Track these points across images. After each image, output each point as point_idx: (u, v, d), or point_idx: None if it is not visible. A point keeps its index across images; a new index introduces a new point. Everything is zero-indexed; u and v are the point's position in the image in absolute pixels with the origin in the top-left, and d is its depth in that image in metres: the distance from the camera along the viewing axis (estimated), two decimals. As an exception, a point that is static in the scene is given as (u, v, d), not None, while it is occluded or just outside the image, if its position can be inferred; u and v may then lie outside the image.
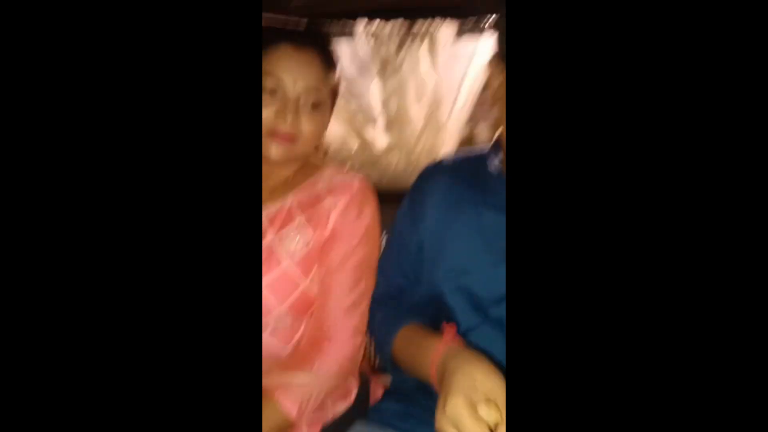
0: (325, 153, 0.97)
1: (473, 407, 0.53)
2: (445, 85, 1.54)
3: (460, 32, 1.55)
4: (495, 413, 0.54)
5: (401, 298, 0.81)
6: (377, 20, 1.51)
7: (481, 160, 0.81)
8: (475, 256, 0.75)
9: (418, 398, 0.76)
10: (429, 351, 0.65)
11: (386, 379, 0.91)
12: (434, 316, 0.77)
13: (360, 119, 1.61)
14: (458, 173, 0.82)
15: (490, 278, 0.72)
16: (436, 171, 0.86)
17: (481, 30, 1.46)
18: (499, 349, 0.67)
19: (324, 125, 0.87)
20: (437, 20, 1.48)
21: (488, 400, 0.54)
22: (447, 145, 1.56)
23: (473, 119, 1.60)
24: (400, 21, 1.51)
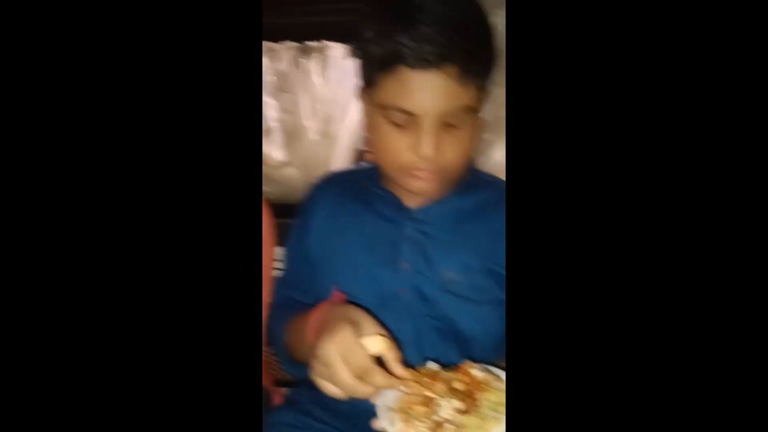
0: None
1: (347, 350, 0.56)
2: (337, 101, 1.60)
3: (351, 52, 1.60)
4: (378, 343, 0.57)
5: (295, 310, 0.83)
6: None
7: (369, 173, 0.85)
8: (361, 265, 0.78)
9: (315, 411, 0.79)
10: (310, 314, 0.69)
11: (284, 392, 0.93)
12: None
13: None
14: (345, 185, 0.86)
15: (375, 284, 0.77)
16: (325, 184, 0.90)
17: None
18: None
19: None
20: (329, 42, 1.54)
21: (374, 335, 0.57)
22: (340, 159, 1.61)
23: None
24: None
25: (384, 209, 0.81)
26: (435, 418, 0.58)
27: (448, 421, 0.58)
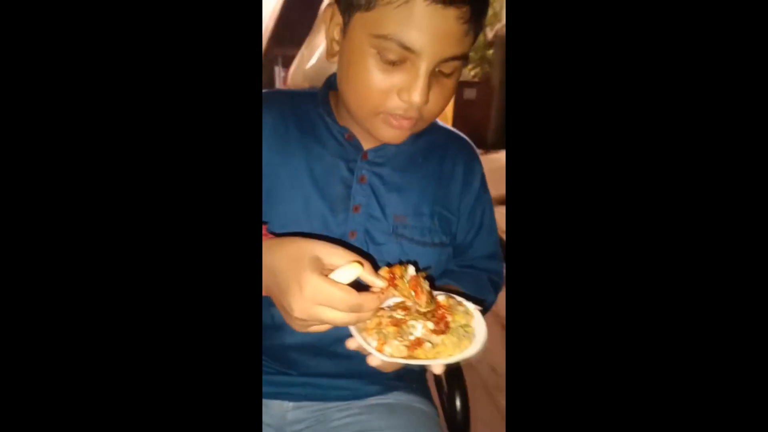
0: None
1: (324, 296, 0.52)
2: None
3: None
4: (352, 271, 0.54)
5: None
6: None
7: (312, 100, 0.79)
8: (311, 205, 0.73)
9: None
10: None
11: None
12: None
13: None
14: (288, 110, 0.78)
15: (324, 227, 0.73)
16: (264, 105, 0.79)
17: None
18: None
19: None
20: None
21: (344, 266, 0.54)
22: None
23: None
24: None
25: (337, 147, 0.76)
26: (410, 338, 0.59)
27: (424, 339, 0.58)
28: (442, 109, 0.68)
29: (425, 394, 0.89)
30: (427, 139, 0.80)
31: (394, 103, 0.63)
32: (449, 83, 0.66)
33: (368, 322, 0.61)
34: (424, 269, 0.71)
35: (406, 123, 0.66)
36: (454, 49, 0.61)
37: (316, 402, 0.79)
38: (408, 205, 0.77)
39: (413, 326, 0.60)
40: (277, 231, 0.72)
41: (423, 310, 0.61)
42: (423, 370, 0.94)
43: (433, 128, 0.81)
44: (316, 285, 0.51)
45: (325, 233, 0.73)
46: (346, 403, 0.80)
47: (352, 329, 0.59)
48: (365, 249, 0.74)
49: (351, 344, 0.59)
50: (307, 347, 0.77)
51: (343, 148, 0.76)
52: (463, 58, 0.63)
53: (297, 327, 0.56)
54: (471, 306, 0.64)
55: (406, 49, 0.59)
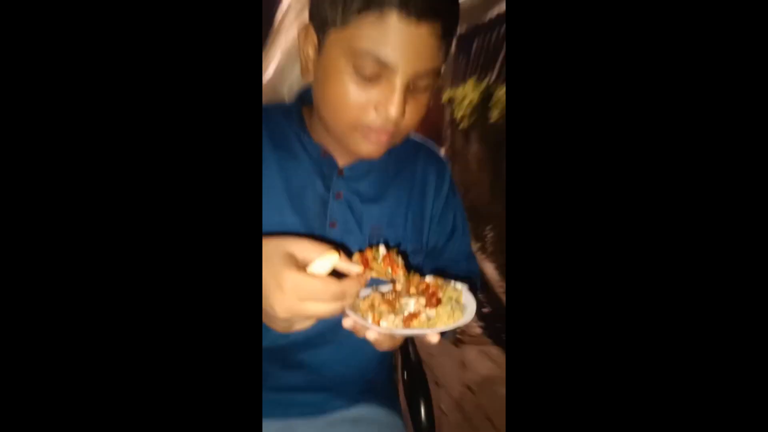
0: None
1: (304, 291, 0.51)
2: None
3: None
4: (328, 261, 0.54)
5: None
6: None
7: (286, 114, 0.79)
8: (288, 222, 0.73)
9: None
10: None
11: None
12: None
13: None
14: (271, 125, 0.78)
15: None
16: None
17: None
18: None
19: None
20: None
21: (320, 258, 0.55)
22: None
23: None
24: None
25: (312, 164, 0.77)
26: (404, 313, 0.60)
27: (419, 312, 0.60)
28: (418, 122, 0.69)
29: (393, 406, 0.89)
30: (398, 150, 0.80)
31: (371, 117, 0.64)
32: (423, 98, 0.67)
33: (360, 304, 0.63)
34: (395, 246, 0.73)
35: (384, 137, 0.67)
36: (428, 64, 0.62)
37: (279, 419, 0.78)
38: (383, 216, 0.78)
39: (406, 303, 0.62)
40: None
41: (402, 281, 0.64)
42: (392, 381, 0.94)
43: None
44: (296, 281, 0.51)
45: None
46: (310, 419, 0.79)
47: (347, 309, 0.60)
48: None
49: (347, 323, 0.60)
50: (276, 357, 0.76)
51: (319, 165, 0.76)
52: (436, 73, 0.65)
53: (281, 328, 0.56)
54: (458, 284, 0.67)
55: (382, 63, 0.60)
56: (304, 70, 0.70)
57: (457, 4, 0.65)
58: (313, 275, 0.53)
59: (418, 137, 0.89)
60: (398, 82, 0.62)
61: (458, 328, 0.60)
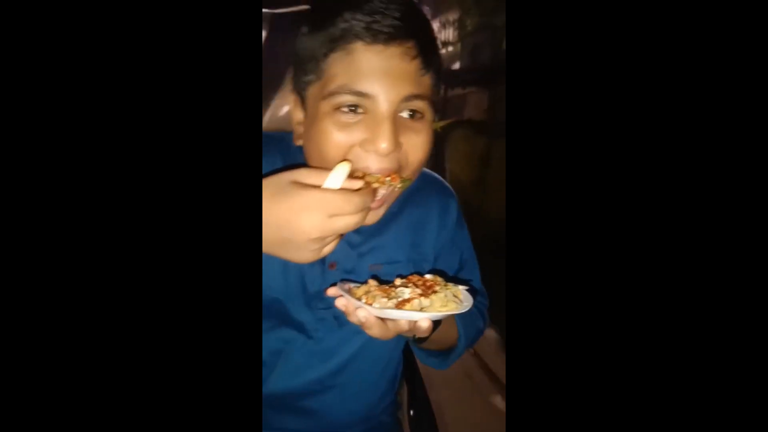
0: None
1: (325, 207, 0.52)
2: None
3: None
4: (341, 173, 0.54)
5: None
6: None
7: (283, 149, 0.76)
8: (286, 263, 0.68)
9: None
10: None
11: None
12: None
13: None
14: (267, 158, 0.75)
15: (299, 284, 0.72)
16: None
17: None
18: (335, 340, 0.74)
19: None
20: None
21: (332, 174, 0.54)
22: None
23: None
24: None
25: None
26: (400, 299, 0.59)
27: (413, 299, 0.59)
28: (423, 160, 0.64)
29: None
30: None
31: (361, 160, 0.60)
32: (421, 128, 0.62)
33: (355, 290, 0.63)
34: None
35: (376, 203, 0.63)
36: (411, 88, 0.59)
37: None
38: (383, 254, 0.76)
39: (401, 291, 0.61)
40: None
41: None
42: (397, 420, 0.92)
43: None
44: (321, 198, 0.52)
45: (302, 291, 0.73)
46: None
47: (339, 289, 0.61)
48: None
49: (339, 302, 0.59)
50: (280, 404, 0.75)
51: None
52: (427, 100, 0.61)
53: (311, 255, 0.55)
54: (460, 286, 0.65)
55: (359, 94, 0.57)
56: (296, 136, 0.69)
57: (427, 21, 0.63)
58: (333, 190, 0.53)
59: (423, 170, 0.87)
60: (382, 110, 0.58)
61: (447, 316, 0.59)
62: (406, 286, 0.62)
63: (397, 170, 0.62)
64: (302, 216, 0.51)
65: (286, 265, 0.71)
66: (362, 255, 0.75)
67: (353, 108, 0.59)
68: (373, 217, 0.66)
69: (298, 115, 0.67)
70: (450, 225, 0.83)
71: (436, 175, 0.88)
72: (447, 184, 0.88)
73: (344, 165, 0.55)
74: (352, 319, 0.58)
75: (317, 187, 0.53)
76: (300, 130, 0.67)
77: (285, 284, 0.72)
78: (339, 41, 0.58)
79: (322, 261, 0.72)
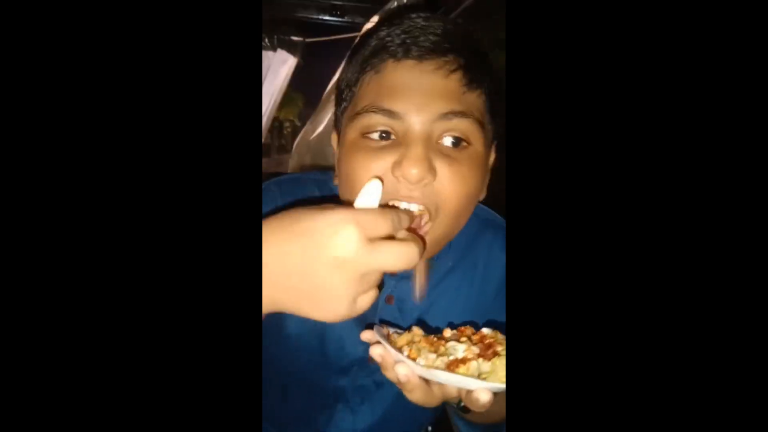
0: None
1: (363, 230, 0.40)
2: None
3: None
4: (374, 191, 0.45)
5: None
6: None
7: (320, 186, 0.68)
8: (326, 327, 0.65)
9: None
10: None
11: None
12: None
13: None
14: (293, 199, 0.68)
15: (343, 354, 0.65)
16: (272, 194, 0.70)
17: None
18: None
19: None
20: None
21: (363, 193, 0.45)
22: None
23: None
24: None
25: None
26: (452, 357, 0.48)
27: (468, 359, 0.47)
28: (464, 194, 0.53)
29: None
30: (456, 236, 0.62)
31: (391, 188, 0.50)
32: (467, 158, 0.52)
33: (396, 338, 0.51)
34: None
35: (416, 231, 0.51)
36: (448, 104, 0.50)
37: None
38: (438, 319, 0.66)
39: (454, 347, 0.49)
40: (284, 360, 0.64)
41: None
42: None
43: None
44: (352, 217, 0.39)
45: (341, 356, 0.65)
46: None
47: (377, 334, 0.49)
48: (375, 389, 0.66)
49: (375, 351, 0.47)
50: None
51: None
52: (473, 120, 0.51)
53: (346, 304, 0.41)
54: None
55: (387, 113, 0.50)
56: (335, 176, 0.61)
57: (473, 36, 0.56)
58: (367, 209, 0.42)
59: (483, 211, 0.73)
60: (415, 131, 0.49)
61: None
62: (459, 340, 0.52)
63: (433, 206, 0.51)
64: (331, 241, 0.38)
65: (325, 331, 0.62)
66: (415, 318, 0.66)
67: (384, 134, 0.51)
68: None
69: (335, 147, 0.61)
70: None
71: (494, 215, 0.74)
72: (503, 222, 0.75)
73: (376, 182, 0.46)
74: (390, 375, 0.47)
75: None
76: (337, 165, 0.60)
77: (321, 353, 0.63)
78: (370, 60, 0.53)
79: (371, 322, 0.61)
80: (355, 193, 0.48)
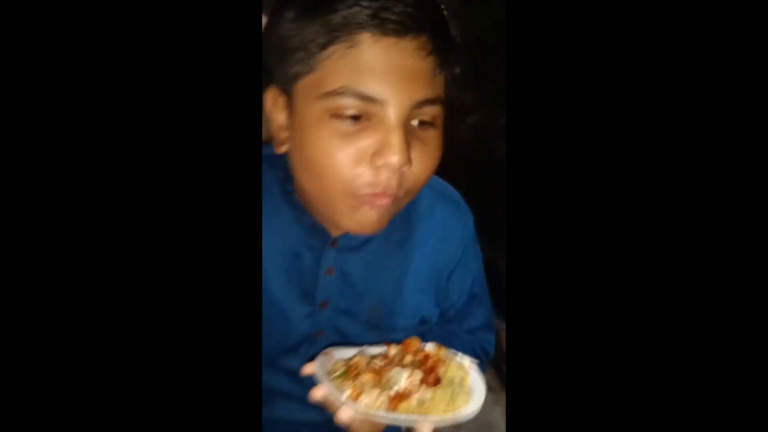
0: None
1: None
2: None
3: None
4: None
5: None
6: None
7: (274, 164, 0.63)
8: (272, 298, 0.62)
9: None
10: None
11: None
12: None
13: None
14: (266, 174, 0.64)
15: (286, 326, 0.64)
16: None
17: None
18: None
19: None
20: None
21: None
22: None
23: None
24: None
25: (299, 232, 0.62)
26: (393, 390, 0.50)
27: (410, 392, 0.50)
28: (429, 173, 0.54)
29: None
30: (408, 206, 0.61)
31: (368, 176, 0.50)
32: (432, 139, 0.53)
33: (339, 366, 0.53)
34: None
35: (385, 201, 0.51)
36: (426, 91, 0.49)
37: None
38: (386, 291, 0.66)
39: (397, 374, 0.51)
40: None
41: (397, 349, 0.54)
42: None
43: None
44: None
45: (286, 333, 0.64)
46: None
47: (320, 374, 0.51)
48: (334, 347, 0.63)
49: (317, 393, 0.51)
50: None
51: (308, 235, 0.62)
52: (440, 104, 0.52)
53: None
54: (466, 359, 0.55)
55: (366, 99, 0.47)
56: (276, 144, 0.57)
57: (441, 10, 0.53)
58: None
59: (435, 183, 0.71)
60: (393, 117, 0.48)
61: (457, 422, 0.48)
62: (402, 364, 0.53)
63: (398, 185, 0.52)
64: None
65: (268, 306, 0.62)
66: (361, 293, 0.65)
67: (355, 117, 0.49)
68: (375, 224, 0.53)
69: (281, 117, 0.54)
70: (460, 250, 0.71)
71: (447, 186, 0.73)
72: (461, 199, 0.74)
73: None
74: (335, 418, 0.50)
75: None
76: (283, 135, 0.55)
77: (266, 328, 0.59)
78: (340, 31, 0.47)
79: (312, 297, 0.63)
80: (320, 176, 0.50)
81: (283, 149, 0.56)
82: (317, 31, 0.48)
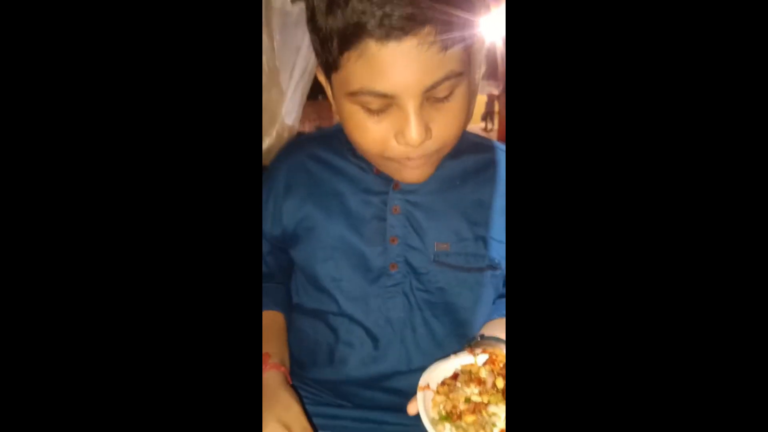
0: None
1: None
2: (283, 52, 1.52)
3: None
4: None
5: (273, 296, 0.83)
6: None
7: (339, 137, 0.77)
8: (347, 243, 0.74)
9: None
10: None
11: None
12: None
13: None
14: (316, 152, 0.79)
15: (363, 262, 0.73)
16: (293, 150, 0.82)
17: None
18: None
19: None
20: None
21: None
22: (291, 114, 1.56)
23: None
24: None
25: (367, 182, 0.75)
26: (492, 422, 0.50)
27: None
28: (457, 131, 0.63)
29: None
30: (463, 157, 0.75)
31: (396, 148, 0.61)
32: (452, 105, 0.60)
33: (437, 399, 0.54)
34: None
35: (419, 161, 0.63)
36: (434, 74, 0.55)
37: None
38: (448, 232, 0.73)
39: (496, 414, 0.50)
40: (321, 273, 0.74)
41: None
42: None
43: (467, 143, 0.77)
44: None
45: (364, 269, 0.73)
46: None
47: (420, 403, 0.53)
48: (407, 280, 0.73)
49: (411, 409, 0.57)
50: (362, 382, 0.76)
51: (373, 182, 0.75)
52: (455, 77, 0.57)
53: None
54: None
55: (382, 96, 0.56)
56: (334, 111, 0.68)
57: (454, 5, 0.56)
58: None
59: (485, 139, 0.83)
60: (408, 106, 0.57)
61: None
62: (495, 386, 0.54)
63: (425, 151, 0.61)
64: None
65: (345, 247, 0.74)
66: (425, 231, 0.73)
67: (378, 110, 0.58)
68: (419, 176, 0.66)
69: (328, 91, 0.66)
70: (502, 183, 0.79)
71: (497, 143, 0.83)
72: (490, 139, 0.83)
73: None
74: None
75: None
76: (334, 108, 0.66)
77: (348, 266, 0.74)
78: (352, 39, 0.54)
79: (384, 235, 0.73)
80: (361, 147, 0.63)
81: (337, 119, 0.67)
82: (335, 32, 0.55)
